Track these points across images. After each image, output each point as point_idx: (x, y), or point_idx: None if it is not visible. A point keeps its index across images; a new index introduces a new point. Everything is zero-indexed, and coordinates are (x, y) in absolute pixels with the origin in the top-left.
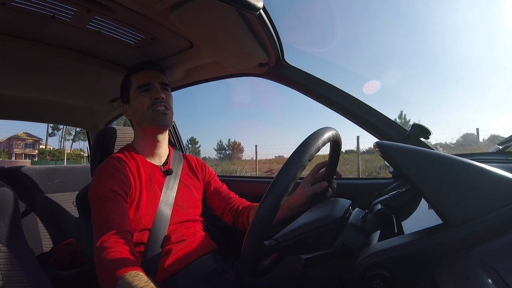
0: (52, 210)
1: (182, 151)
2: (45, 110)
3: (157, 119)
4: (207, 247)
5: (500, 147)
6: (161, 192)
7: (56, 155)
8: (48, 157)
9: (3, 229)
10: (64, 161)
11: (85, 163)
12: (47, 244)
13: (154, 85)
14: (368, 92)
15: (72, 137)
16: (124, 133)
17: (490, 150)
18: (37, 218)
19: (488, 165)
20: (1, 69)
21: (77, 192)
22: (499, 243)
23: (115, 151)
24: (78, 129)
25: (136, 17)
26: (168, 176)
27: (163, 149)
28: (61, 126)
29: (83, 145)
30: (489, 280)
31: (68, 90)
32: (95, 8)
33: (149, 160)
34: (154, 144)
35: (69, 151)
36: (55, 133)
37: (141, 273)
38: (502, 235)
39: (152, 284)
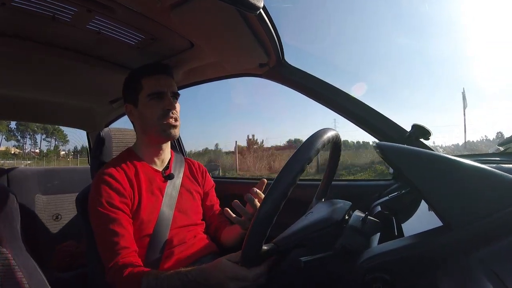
0: (51, 211)
1: (183, 155)
2: (45, 110)
3: (167, 131)
4: (207, 248)
5: (501, 148)
6: (162, 197)
7: None
8: None
9: (2, 230)
10: None
11: (9, 159)
12: (46, 245)
13: (167, 95)
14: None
15: None
16: (125, 134)
17: (490, 151)
18: (37, 219)
19: (489, 166)
20: (1, 69)
21: (77, 194)
22: (500, 245)
23: (115, 153)
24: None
25: (136, 17)
26: (169, 180)
27: (166, 155)
28: None
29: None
30: (489, 283)
31: (68, 91)
32: (95, 8)
33: (150, 165)
34: (157, 151)
35: None
36: None
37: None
38: (503, 238)
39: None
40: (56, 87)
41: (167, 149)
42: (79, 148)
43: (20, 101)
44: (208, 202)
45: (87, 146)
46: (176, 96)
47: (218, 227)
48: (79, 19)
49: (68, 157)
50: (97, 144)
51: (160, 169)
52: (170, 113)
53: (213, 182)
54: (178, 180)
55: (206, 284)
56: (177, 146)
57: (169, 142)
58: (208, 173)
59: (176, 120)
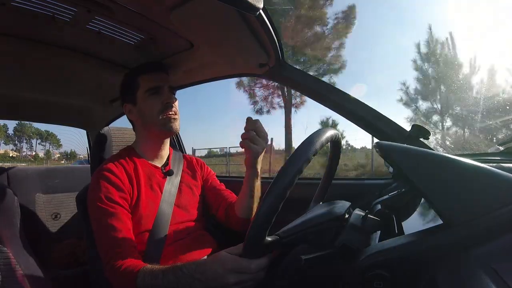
0: (52, 210)
1: (182, 152)
2: (45, 110)
3: (168, 125)
4: (207, 246)
5: (501, 147)
6: (161, 193)
7: None
8: None
9: (3, 229)
10: None
11: (8, 162)
12: (47, 244)
13: (164, 89)
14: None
15: None
16: (125, 133)
17: (490, 150)
18: (38, 218)
19: (488, 165)
20: (1, 69)
21: (77, 193)
22: (499, 243)
23: (115, 152)
24: None
25: (136, 17)
26: (168, 177)
27: (165, 151)
28: None
29: None
30: (489, 280)
31: (67, 91)
32: (95, 8)
33: (149, 162)
34: (158, 147)
35: None
36: None
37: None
38: (502, 236)
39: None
40: (56, 86)
41: (166, 146)
42: (68, 152)
43: (21, 101)
44: (210, 185)
45: (75, 151)
46: (173, 90)
47: (228, 205)
48: (79, 19)
49: (62, 160)
50: (97, 143)
51: (159, 166)
52: (170, 106)
53: (213, 171)
54: (177, 176)
55: (202, 279)
56: (176, 144)
57: (168, 138)
58: (206, 165)
59: (175, 113)
